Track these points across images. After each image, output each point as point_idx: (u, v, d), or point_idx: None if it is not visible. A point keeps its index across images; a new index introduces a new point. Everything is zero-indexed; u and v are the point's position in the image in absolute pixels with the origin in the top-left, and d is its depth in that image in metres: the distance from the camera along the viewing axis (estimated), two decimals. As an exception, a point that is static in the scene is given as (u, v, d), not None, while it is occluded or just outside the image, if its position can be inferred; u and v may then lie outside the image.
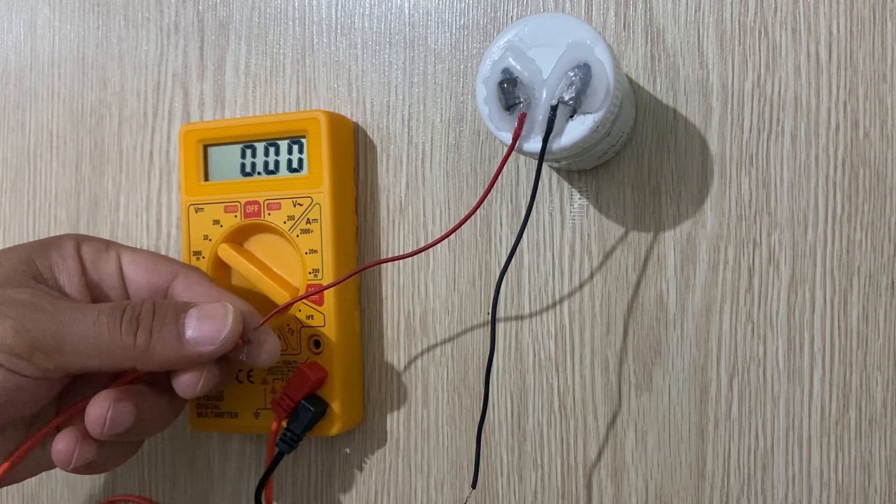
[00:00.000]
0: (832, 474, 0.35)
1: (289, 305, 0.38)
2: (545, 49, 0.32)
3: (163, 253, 0.46)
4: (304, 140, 0.40)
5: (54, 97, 0.49)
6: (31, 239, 0.49)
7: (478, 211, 0.40)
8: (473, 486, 0.34)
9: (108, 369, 0.33)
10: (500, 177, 0.40)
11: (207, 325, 0.33)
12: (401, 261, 0.41)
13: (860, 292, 0.35)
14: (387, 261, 0.36)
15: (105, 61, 0.48)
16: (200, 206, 0.42)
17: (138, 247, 0.46)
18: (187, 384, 0.34)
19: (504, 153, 0.39)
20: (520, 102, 0.32)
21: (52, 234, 0.48)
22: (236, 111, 0.45)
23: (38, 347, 0.31)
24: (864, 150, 0.35)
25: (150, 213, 0.46)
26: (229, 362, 0.36)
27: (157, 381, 0.36)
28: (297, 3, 0.43)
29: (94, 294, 0.37)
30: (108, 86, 0.48)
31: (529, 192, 0.36)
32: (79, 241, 0.37)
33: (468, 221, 0.40)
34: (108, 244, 0.38)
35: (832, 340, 0.35)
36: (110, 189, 0.47)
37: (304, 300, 0.40)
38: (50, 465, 0.35)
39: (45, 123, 0.49)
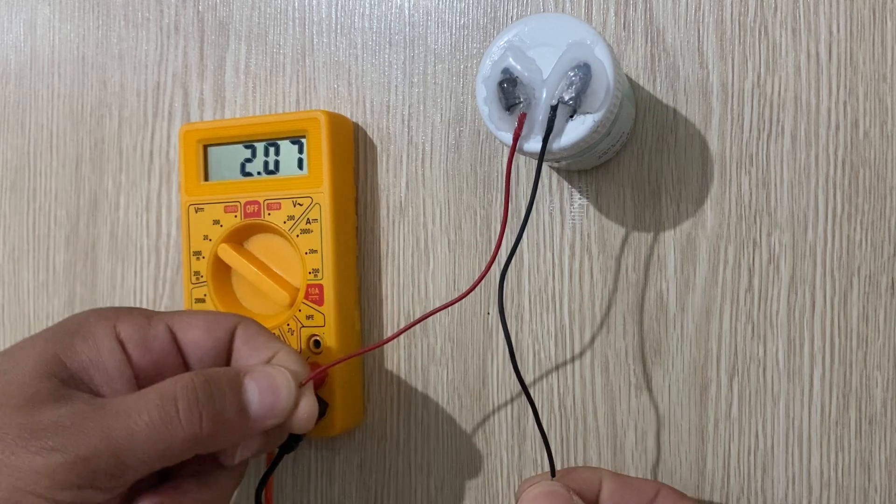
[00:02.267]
0: (832, 474, 0.35)
1: (336, 364, 0.36)
2: (545, 49, 0.32)
3: (163, 252, 0.46)
4: (303, 140, 0.40)
5: (54, 97, 0.49)
6: (29, 238, 0.49)
7: (478, 211, 0.40)
8: (552, 475, 0.33)
9: (174, 462, 0.30)
10: (500, 177, 0.40)
11: (270, 397, 0.31)
12: (401, 263, 0.41)
13: (860, 292, 0.35)
14: (391, 339, 0.35)
15: (105, 61, 0.48)
16: (200, 206, 0.42)
17: (140, 249, 0.46)
18: (233, 454, 0.32)
19: (503, 153, 0.40)
20: (520, 102, 0.32)
21: (52, 235, 0.48)
22: (236, 111, 0.45)
23: (100, 472, 0.28)
24: (864, 150, 0.35)
25: (150, 213, 0.46)
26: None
27: (202, 470, 0.33)
28: (297, 3, 0.43)
29: (146, 378, 0.32)
30: (108, 86, 0.48)
31: (529, 192, 0.36)
32: (114, 322, 0.32)
33: (468, 221, 0.40)
34: (148, 317, 0.33)
35: (832, 340, 0.35)
36: (110, 189, 0.47)
37: (305, 301, 0.40)
38: None
39: (45, 123, 0.49)
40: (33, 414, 0.28)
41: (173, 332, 0.33)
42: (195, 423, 0.29)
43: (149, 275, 0.46)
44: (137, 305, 0.46)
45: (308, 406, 0.33)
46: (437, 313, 0.41)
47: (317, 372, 0.34)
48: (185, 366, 0.33)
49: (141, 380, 0.32)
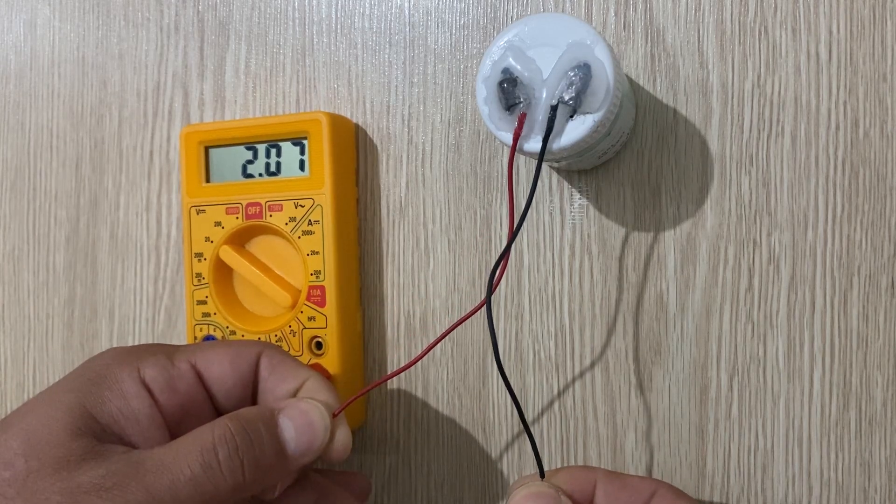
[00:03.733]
0: (832, 474, 0.35)
1: (368, 391, 0.35)
2: (545, 49, 0.32)
3: (163, 252, 0.46)
4: (305, 141, 0.40)
5: (54, 97, 0.49)
6: (29, 238, 0.49)
7: (477, 211, 0.40)
8: (541, 476, 0.33)
9: None
10: (500, 177, 0.40)
11: (307, 435, 0.31)
12: (401, 263, 0.41)
13: (860, 292, 0.35)
14: (394, 375, 0.34)
15: (105, 61, 0.48)
16: (202, 208, 0.42)
17: (140, 249, 0.46)
18: (273, 489, 0.32)
19: (503, 153, 0.40)
20: (520, 102, 0.32)
21: (52, 235, 0.48)
22: (236, 111, 0.45)
23: None
24: (864, 150, 0.35)
25: (150, 213, 0.46)
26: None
27: None
28: (297, 3, 0.43)
29: (174, 420, 0.31)
30: (108, 86, 0.48)
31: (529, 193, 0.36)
32: (137, 366, 0.31)
33: (468, 221, 0.40)
34: (170, 355, 0.32)
35: (832, 340, 0.35)
36: (110, 189, 0.47)
37: (306, 302, 0.40)
38: None
39: (45, 123, 0.49)
40: (72, 477, 0.27)
41: (197, 369, 0.32)
42: (237, 473, 0.29)
43: (149, 275, 0.46)
44: (137, 305, 0.46)
45: (343, 437, 0.32)
46: (438, 314, 0.41)
47: (349, 402, 0.33)
48: (212, 402, 0.33)
49: (169, 422, 0.31)
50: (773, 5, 0.36)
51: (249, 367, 0.33)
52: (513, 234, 0.32)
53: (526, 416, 0.39)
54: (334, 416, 0.32)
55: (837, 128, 0.35)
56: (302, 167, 0.40)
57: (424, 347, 0.33)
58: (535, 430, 0.39)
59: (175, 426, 0.31)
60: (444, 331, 0.34)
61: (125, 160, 0.47)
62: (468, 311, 0.33)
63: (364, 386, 0.42)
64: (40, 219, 0.49)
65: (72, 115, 0.48)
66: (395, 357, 0.41)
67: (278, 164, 0.41)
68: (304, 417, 0.31)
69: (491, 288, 0.31)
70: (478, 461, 0.40)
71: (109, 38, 0.48)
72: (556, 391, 0.39)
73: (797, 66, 0.36)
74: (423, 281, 0.41)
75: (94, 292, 0.48)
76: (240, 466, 0.29)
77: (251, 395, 0.34)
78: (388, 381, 0.42)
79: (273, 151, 0.41)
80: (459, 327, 0.40)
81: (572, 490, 0.31)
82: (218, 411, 0.33)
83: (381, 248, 0.42)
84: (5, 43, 0.50)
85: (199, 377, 0.32)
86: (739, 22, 0.36)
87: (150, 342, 0.46)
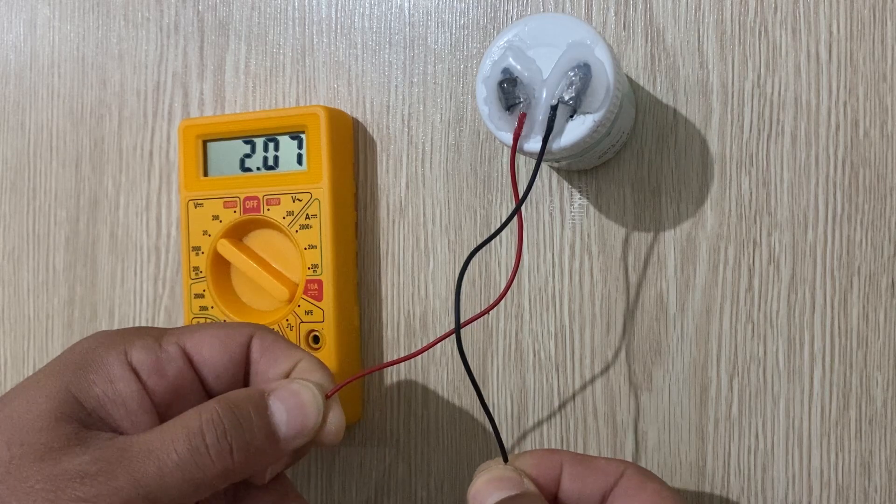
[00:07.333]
0: (832, 474, 0.35)
1: (366, 374, 0.35)
2: (545, 49, 0.32)
3: (163, 252, 0.46)
4: (303, 135, 0.40)
5: (54, 97, 0.49)
6: (29, 238, 0.49)
7: (477, 211, 0.40)
8: (504, 460, 0.32)
9: (207, 495, 0.29)
10: (500, 177, 0.40)
11: (299, 417, 0.30)
12: (401, 263, 0.41)
13: (860, 292, 0.35)
14: (389, 364, 0.34)
15: (105, 61, 0.48)
16: (200, 202, 0.42)
17: (140, 249, 0.46)
18: (263, 474, 0.31)
19: (503, 153, 0.40)
20: (520, 102, 0.32)
21: (52, 235, 0.48)
22: (236, 111, 0.45)
23: None
24: (864, 150, 0.35)
25: (149, 213, 0.46)
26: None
27: (237, 495, 0.32)
28: (297, 3, 0.43)
29: (164, 404, 0.30)
30: (108, 86, 0.48)
31: (531, 193, 0.36)
32: (124, 348, 0.30)
33: (468, 221, 0.40)
34: (158, 338, 0.31)
35: (832, 340, 0.35)
36: (110, 189, 0.47)
37: (304, 296, 0.40)
38: None
39: (45, 123, 0.49)
40: (57, 463, 0.26)
41: (186, 351, 0.31)
42: (226, 457, 0.28)
43: (149, 275, 0.46)
44: (137, 305, 0.46)
45: (337, 419, 0.31)
46: (438, 314, 0.41)
47: (343, 383, 0.32)
48: (202, 385, 0.32)
49: (159, 406, 0.30)
50: (773, 5, 0.36)
51: (240, 349, 0.32)
52: (505, 222, 0.32)
53: (525, 415, 0.39)
54: (327, 396, 0.31)
55: (837, 128, 0.35)
56: (300, 161, 0.40)
57: (425, 344, 0.33)
58: (535, 431, 0.39)
59: (165, 410, 0.30)
60: (447, 330, 0.34)
61: (125, 160, 0.47)
62: (489, 305, 0.32)
63: (362, 381, 0.42)
64: (40, 219, 0.49)
65: (72, 114, 0.48)
66: (395, 357, 0.41)
67: (276, 158, 0.41)
68: (295, 398, 0.30)
69: (467, 265, 0.31)
70: (478, 461, 0.40)
71: (109, 38, 0.48)
72: (556, 391, 0.39)
73: (797, 66, 0.36)
74: (423, 281, 0.41)
75: (94, 292, 0.48)
76: (228, 450, 0.28)
77: (243, 377, 0.33)
78: (389, 381, 0.42)
79: (271, 145, 0.41)
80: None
81: (537, 474, 0.30)
82: (209, 395, 0.32)
83: (380, 248, 0.42)
84: (5, 43, 0.50)
85: (189, 360, 0.31)
86: (739, 22, 0.36)
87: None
